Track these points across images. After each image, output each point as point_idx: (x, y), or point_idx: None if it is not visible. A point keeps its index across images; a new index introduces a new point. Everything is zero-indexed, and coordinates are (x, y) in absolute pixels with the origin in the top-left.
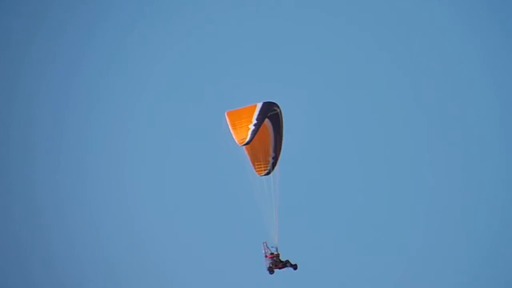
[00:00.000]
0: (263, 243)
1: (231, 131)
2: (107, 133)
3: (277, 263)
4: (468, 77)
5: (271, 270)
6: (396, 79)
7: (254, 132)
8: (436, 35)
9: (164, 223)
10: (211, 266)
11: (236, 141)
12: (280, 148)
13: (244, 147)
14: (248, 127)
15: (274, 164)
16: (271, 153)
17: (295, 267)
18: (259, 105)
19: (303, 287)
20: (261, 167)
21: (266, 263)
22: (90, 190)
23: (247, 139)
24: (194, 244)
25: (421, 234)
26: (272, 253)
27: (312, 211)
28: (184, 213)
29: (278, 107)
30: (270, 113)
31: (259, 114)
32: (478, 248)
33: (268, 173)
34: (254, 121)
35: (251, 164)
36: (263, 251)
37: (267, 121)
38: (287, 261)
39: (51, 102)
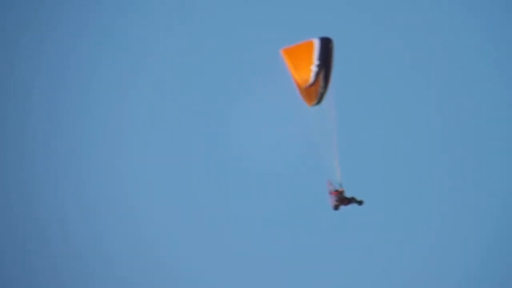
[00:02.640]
0: (327, 180)
1: (293, 72)
2: (106, 132)
3: (342, 199)
4: (469, 77)
5: (336, 207)
6: (397, 79)
7: (317, 74)
8: (437, 35)
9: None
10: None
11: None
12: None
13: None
14: (310, 68)
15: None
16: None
17: (360, 203)
18: (316, 43)
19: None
20: (311, 94)
21: (332, 200)
22: (89, 189)
23: (310, 80)
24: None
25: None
26: (336, 190)
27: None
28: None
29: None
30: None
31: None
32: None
33: (319, 101)
34: (316, 62)
35: (298, 93)
36: (328, 189)
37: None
38: (353, 198)
39: (50, 101)
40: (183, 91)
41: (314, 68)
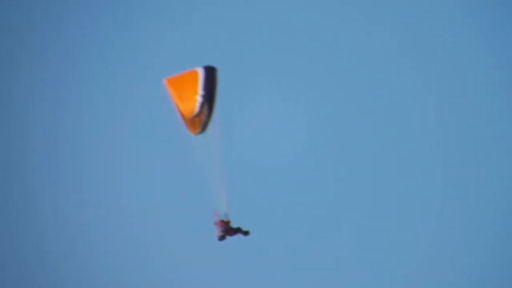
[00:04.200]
0: (212, 210)
1: (177, 102)
2: (106, 132)
3: (228, 230)
4: (471, 76)
5: (222, 238)
6: (399, 78)
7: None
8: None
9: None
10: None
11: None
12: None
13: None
14: (195, 99)
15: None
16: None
17: (246, 233)
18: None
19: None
20: (195, 123)
21: (217, 231)
22: (89, 189)
23: (195, 111)
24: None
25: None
26: (222, 220)
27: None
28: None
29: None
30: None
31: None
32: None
33: (203, 129)
34: (201, 92)
35: (183, 121)
36: (213, 219)
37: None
38: (239, 228)
39: (49, 100)
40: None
41: (199, 99)
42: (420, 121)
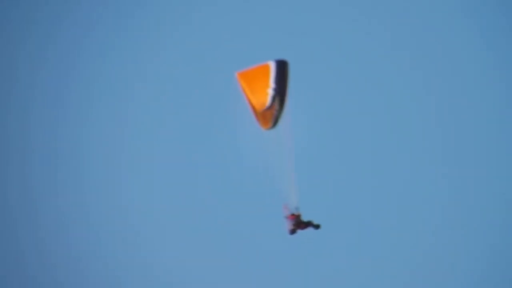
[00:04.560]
0: (283, 204)
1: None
2: (106, 132)
3: (299, 223)
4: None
5: (293, 231)
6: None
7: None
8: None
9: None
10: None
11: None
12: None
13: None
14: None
15: (278, 114)
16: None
17: (317, 227)
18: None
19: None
20: (266, 118)
21: (288, 224)
22: (90, 189)
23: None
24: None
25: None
26: (293, 214)
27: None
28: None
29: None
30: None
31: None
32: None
33: (274, 124)
34: (273, 85)
35: (254, 117)
36: (284, 213)
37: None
38: (309, 222)
39: (50, 101)
40: (182, 91)
41: (270, 92)
42: (420, 121)
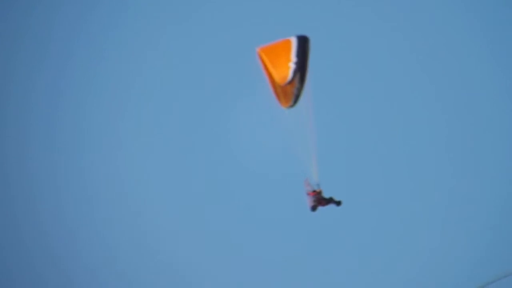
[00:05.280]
0: (305, 180)
1: (271, 69)
2: (106, 132)
3: (320, 200)
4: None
5: (314, 208)
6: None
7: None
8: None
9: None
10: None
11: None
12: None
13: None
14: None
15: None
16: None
17: (339, 203)
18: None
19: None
20: (287, 95)
21: (309, 201)
22: (90, 189)
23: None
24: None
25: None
26: (314, 190)
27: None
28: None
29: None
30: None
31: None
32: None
33: (295, 102)
34: (294, 59)
35: (273, 94)
36: (305, 189)
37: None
38: (331, 198)
39: (50, 102)
40: (182, 90)
41: (292, 65)
42: (420, 120)
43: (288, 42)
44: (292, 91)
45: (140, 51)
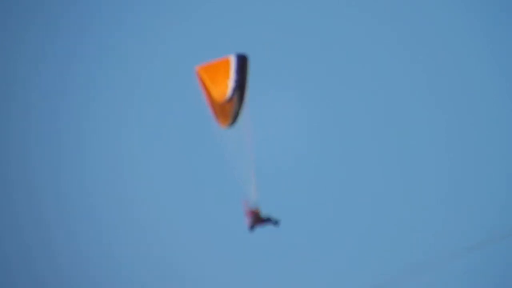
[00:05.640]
0: (243, 200)
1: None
2: (106, 132)
3: (257, 219)
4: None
5: (252, 227)
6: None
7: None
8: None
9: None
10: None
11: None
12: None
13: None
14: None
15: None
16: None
17: (276, 223)
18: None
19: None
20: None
21: (248, 221)
22: (91, 190)
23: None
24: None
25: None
26: (252, 210)
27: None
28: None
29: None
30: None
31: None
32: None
33: (234, 120)
34: (234, 77)
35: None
36: (244, 209)
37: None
38: (268, 218)
39: (50, 102)
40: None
41: (232, 83)
42: (421, 120)
43: (227, 61)
44: (231, 110)
45: (140, 51)
